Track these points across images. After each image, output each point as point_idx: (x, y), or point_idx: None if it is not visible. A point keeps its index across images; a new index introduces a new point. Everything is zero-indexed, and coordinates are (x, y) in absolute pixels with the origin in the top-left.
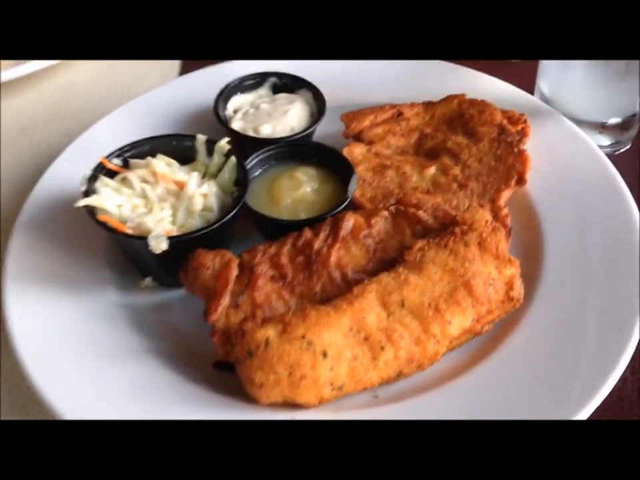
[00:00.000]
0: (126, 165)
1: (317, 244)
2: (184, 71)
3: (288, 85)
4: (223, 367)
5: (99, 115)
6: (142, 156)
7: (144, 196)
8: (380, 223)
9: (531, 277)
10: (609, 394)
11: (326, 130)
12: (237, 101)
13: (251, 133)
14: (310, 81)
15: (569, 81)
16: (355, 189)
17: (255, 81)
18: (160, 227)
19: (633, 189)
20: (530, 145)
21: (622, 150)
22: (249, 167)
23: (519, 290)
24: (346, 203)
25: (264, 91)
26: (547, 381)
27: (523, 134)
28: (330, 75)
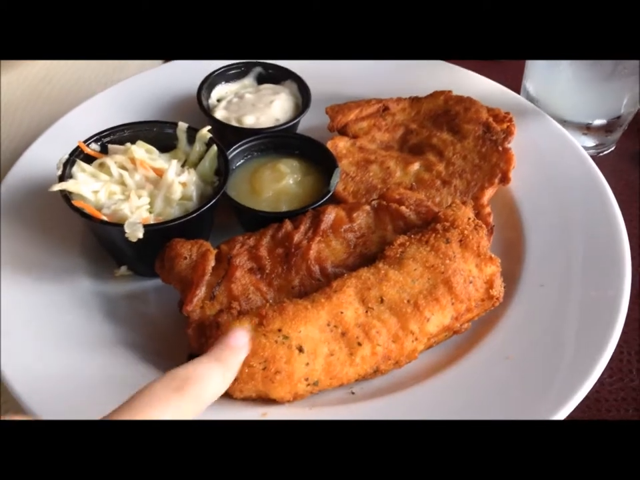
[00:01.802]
0: (104, 151)
1: (297, 237)
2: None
3: (273, 75)
4: None
5: (82, 99)
6: (121, 142)
7: (121, 182)
8: (361, 217)
9: (512, 276)
10: (587, 396)
11: (311, 122)
12: (221, 90)
13: (234, 123)
14: (296, 72)
15: (554, 81)
16: (337, 183)
17: (240, 70)
18: (137, 215)
19: (616, 191)
20: (515, 144)
21: (606, 152)
22: (230, 157)
23: (499, 288)
24: (328, 196)
25: (249, 80)
26: (525, 381)
27: (508, 132)
28: (316, 67)
